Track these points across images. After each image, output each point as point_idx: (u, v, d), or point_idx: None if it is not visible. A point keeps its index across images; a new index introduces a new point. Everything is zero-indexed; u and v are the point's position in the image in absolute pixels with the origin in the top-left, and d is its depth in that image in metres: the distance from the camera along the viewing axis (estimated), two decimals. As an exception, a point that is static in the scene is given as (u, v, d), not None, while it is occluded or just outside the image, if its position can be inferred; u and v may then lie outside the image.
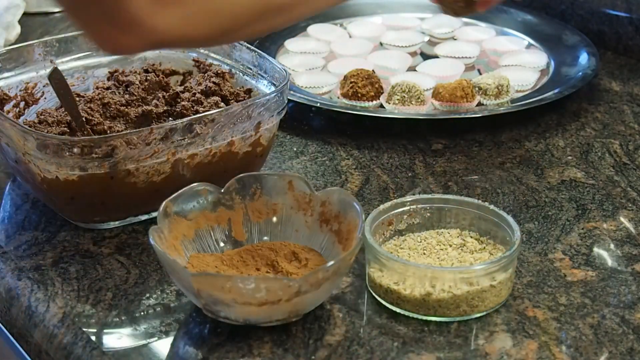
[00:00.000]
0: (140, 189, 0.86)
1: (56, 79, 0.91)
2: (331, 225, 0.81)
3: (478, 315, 0.77)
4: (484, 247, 0.81)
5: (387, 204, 0.82)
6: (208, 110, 0.91)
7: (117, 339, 0.76)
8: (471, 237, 0.82)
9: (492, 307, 0.77)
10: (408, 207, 0.83)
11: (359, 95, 1.09)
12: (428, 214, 0.83)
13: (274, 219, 0.84)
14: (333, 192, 0.82)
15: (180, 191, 0.81)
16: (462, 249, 0.81)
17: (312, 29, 1.27)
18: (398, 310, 0.77)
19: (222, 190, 0.83)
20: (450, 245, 0.82)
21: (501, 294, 0.77)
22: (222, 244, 0.83)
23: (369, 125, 1.06)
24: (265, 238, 0.84)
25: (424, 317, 0.76)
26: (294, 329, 0.76)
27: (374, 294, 0.79)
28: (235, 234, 0.84)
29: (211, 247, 0.83)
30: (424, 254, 0.81)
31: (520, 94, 1.11)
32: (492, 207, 0.82)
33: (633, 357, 0.73)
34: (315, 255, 0.81)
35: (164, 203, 0.80)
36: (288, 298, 0.73)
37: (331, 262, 0.74)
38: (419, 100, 1.07)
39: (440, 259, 0.80)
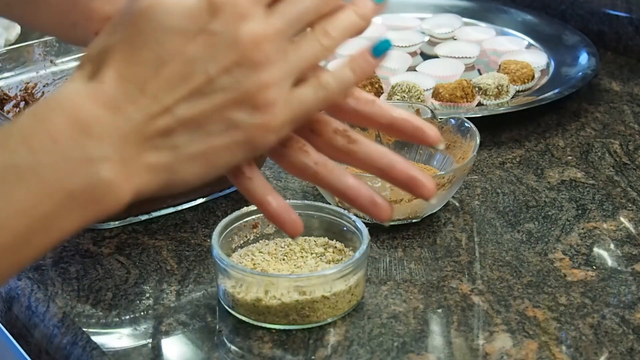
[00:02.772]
0: (140, 189, 0.86)
1: None
2: (450, 149, 0.93)
3: (310, 326, 0.76)
4: (342, 259, 0.80)
5: (253, 207, 0.82)
6: (208, 110, 0.91)
7: (117, 339, 0.76)
8: (335, 247, 0.81)
9: (325, 318, 0.76)
10: None
11: (359, 95, 1.09)
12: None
13: (401, 141, 0.95)
14: (451, 119, 0.94)
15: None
16: (320, 258, 0.81)
17: (312, 29, 1.27)
18: (233, 312, 0.77)
19: None
20: (312, 254, 0.81)
21: (337, 307, 0.76)
22: None
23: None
24: None
25: (256, 323, 0.76)
26: (294, 329, 0.76)
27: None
28: None
29: None
30: (283, 259, 0.80)
31: (522, 86, 1.12)
32: (352, 216, 0.81)
33: (633, 357, 0.73)
34: (434, 173, 0.92)
35: None
36: (409, 199, 0.85)
37: (446, 171, 0.87)
38: (419, 100, 1.07)
39: (296, 266, 0.80)
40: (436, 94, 1.09)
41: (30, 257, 0.55)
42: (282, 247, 0.82)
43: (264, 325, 0.76)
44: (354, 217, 0.81)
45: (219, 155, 0.57)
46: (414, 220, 0.88)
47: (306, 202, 0.84)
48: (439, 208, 0.90)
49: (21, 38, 1.28)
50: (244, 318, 0.76)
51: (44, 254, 0.57)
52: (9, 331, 0.83)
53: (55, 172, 0.53)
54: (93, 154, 0.53)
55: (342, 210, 0.82)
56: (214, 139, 0.56)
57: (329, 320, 0.76)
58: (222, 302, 0.78)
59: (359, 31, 0.61)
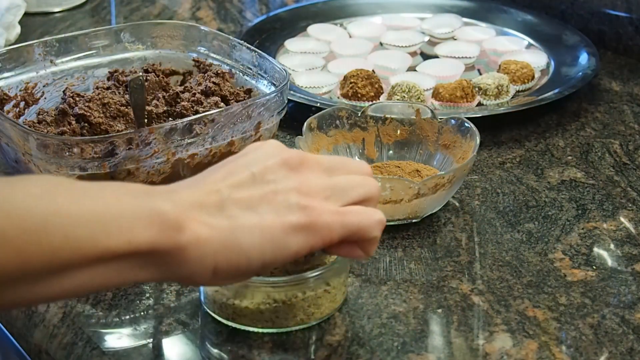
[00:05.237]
0: (140, 189, 0.86)
1: (136, 85, 0.89)
2: (450, 149, 0.93)
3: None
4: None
5: None
6: (208, 110, 0.91)
7: (117, 339, 0.76)
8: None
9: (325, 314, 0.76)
10: None
11: (359, 95, 1.09)
12: None
13: (401, 141, 0.96)
14: (451, 120, 0.94)
15: (323, 111, 0.94)
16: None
17: (312, 29, 1.27)
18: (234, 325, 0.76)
19: (359, 114, 0.95)
20: None
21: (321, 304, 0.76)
22: (356, 158, 0.95)
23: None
24: (393, 157, 0.96)
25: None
26: (294, 329, 0.76)
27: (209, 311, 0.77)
28: (367, 152, 0.96)
29: None
30: None
31: (522, 86, 1.13)
32: None
33: (633, 357, 0.73)
34: (434, 173, 0.91)
35: (308, 120, 0.93)
36: (409, 199, 0.85)
37: (446, 171, 0.87)
38: (419, 100, 1.07)
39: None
40: (436, 94, 1.09)
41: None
42: None
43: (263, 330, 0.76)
44: None
45: (278, 233, 0.64)
46: (414, 220, 0.88)
47: None
48: (439, 208, 0.90)
49: (21, 38, 1.28)
50: (245, 327, 0.76)
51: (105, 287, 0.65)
52: (9, 331, 0.83)
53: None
54: (156, 196, 0.63)
55: None
56: (266, 216, 0.64)
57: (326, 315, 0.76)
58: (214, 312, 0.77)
59: None
